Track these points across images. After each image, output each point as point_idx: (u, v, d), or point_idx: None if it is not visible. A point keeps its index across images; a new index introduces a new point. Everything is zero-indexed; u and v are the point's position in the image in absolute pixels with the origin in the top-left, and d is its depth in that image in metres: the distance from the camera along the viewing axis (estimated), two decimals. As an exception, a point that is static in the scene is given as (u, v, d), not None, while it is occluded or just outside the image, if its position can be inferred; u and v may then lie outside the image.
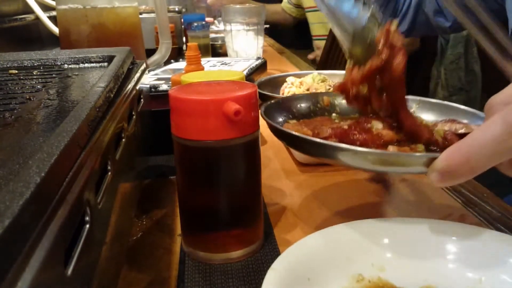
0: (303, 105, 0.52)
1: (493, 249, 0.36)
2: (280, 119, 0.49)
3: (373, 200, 0.53)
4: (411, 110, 0.48)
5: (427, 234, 0.38)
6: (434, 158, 0.33)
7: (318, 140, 0.38)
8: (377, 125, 0.41)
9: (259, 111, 0.43)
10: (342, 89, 0.43)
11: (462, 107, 0.49)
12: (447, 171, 0.32)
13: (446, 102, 0.50)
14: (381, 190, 0.56)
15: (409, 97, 0.49)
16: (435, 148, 0.40)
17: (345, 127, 0.42)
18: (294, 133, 0.40)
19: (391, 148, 0.39)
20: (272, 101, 0.50)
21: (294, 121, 0.49)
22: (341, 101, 0.52)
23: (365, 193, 0.54)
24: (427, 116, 0.49)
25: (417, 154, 0.37)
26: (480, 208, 0.49)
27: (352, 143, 0.39)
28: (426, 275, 0.36)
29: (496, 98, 0.34)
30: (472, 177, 0.33)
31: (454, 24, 0.88)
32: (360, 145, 0.39)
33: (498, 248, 0.36)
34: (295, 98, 0.53)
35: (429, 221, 0.39)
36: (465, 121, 0.45)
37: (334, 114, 0.52)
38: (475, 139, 0.32)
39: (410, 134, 0.41)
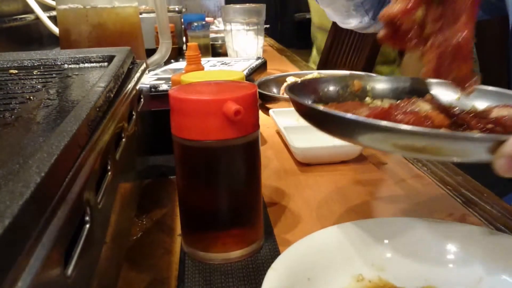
0: (331, 88, 0.47)
1: (493, 249, 0.36)
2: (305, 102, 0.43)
3: (373, 200, 0.53)
4: (456, 96, 0.44)
5: (427, 234, 0.38)
6: (501, 142, 0.28)
7: (367, 120, 0.31)
8: (425, 107, 0.36)
9: (283, 92, 0.39)
10: (392, 18, 0.36)
11: None
12: None
13: (499, 89, 0.44)
14: (381, 190, 0.56)
15: None
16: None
17: (386, 106, 0.36)
18: (331, 111, 0.34)
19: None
20: (297, 82, 0.44)
21: (321, 104, 0.44)
22: (373, 86, 0.48)
23: (365, 193, 0.54)
24: (481, 103, 0.43)
25: (482, 135, 0.31)
26: (480, 208, 0.49)
27: None
28: (426, 275, 0.36)
29: None
30: None
31: None
32: None
33: (498, 248, 0.36)
34: (321, 80, 0.48)
35: (429, 221, 0.39)
36: None
37: (367, 98, 0.47)
38: None
39: (454, 50, 0.34)
